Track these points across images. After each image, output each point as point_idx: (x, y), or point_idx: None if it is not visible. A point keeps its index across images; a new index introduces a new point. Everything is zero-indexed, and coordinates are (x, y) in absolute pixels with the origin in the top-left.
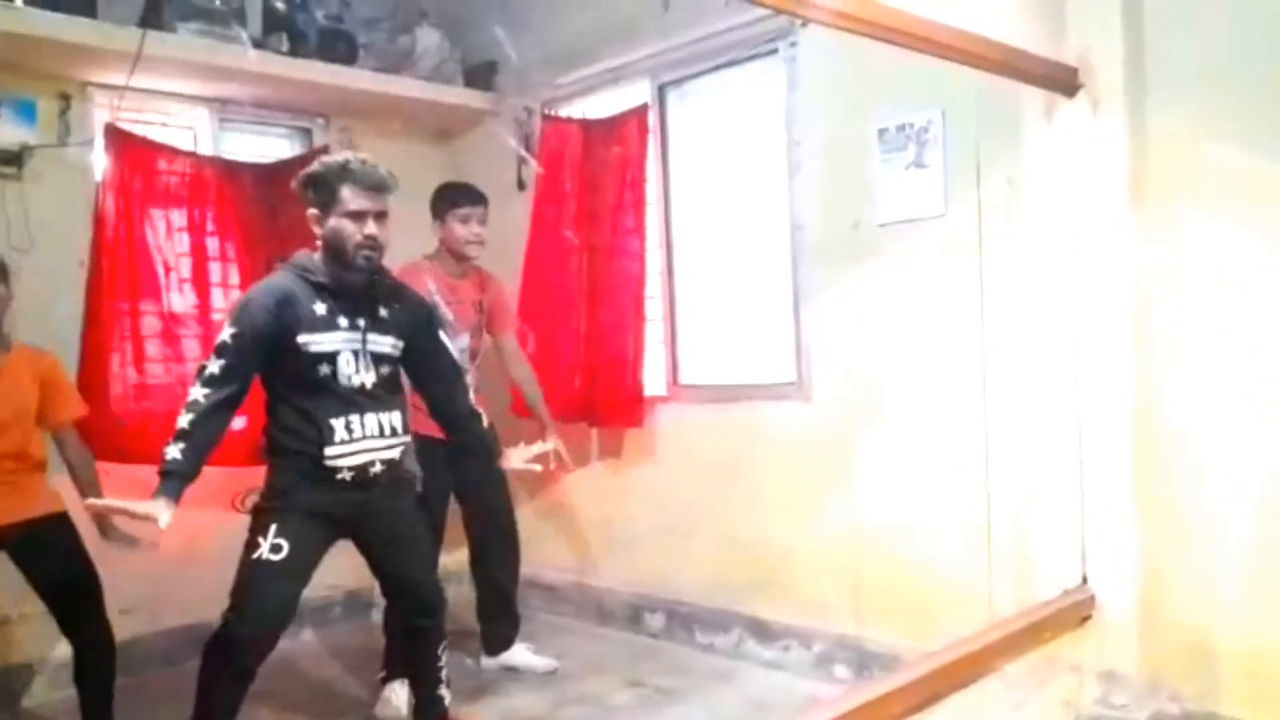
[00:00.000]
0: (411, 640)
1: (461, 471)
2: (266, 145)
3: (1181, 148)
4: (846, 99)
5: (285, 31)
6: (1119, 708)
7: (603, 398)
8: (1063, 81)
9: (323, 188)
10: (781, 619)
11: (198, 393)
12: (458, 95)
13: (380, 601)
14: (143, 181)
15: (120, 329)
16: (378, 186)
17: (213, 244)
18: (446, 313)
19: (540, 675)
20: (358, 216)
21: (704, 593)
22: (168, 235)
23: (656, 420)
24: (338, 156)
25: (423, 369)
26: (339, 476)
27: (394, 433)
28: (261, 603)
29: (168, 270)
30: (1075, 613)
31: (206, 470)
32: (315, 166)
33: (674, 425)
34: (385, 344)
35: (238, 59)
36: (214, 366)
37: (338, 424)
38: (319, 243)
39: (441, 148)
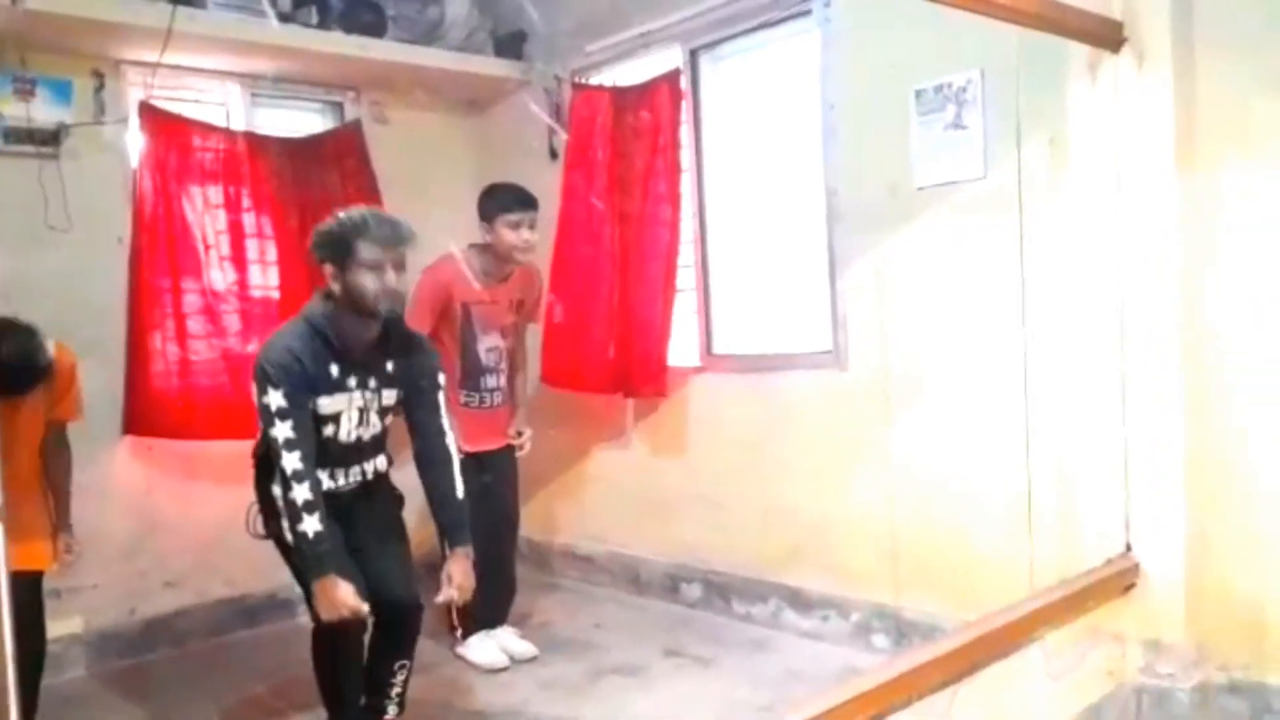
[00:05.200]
0: (375, 637)
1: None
2: (298, 120)
3: (1232, 105)
4: (882, 59)
5: (314, 5)
6: (1164, 677)
7: (635, 368)
8: (1107, 36)
9: (339, 245)
10: (819, 588)
11: (292, 461)
12: (488, 65)
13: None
14: (178, 158)
15: (162, 306)
16: (394, 240)
17: (249, 220)
18: (471, 313)
19: (529, 655)
20: (375, 268)
21: (741, 562)
22: (205, 211)
23: (691, 391)
24: (354, 213)
25: (413, 428)
26: None
27: (375, 474)
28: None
29: (206, 247)
30: (1119, 581)
31: (244, 445)
32: (331, 225)
33: (709, 396)
34: (392, 396)
35: (266, 33)
36: (285, 431)
37: (323, 475)
38: (338, 299)
39: (472, 119)
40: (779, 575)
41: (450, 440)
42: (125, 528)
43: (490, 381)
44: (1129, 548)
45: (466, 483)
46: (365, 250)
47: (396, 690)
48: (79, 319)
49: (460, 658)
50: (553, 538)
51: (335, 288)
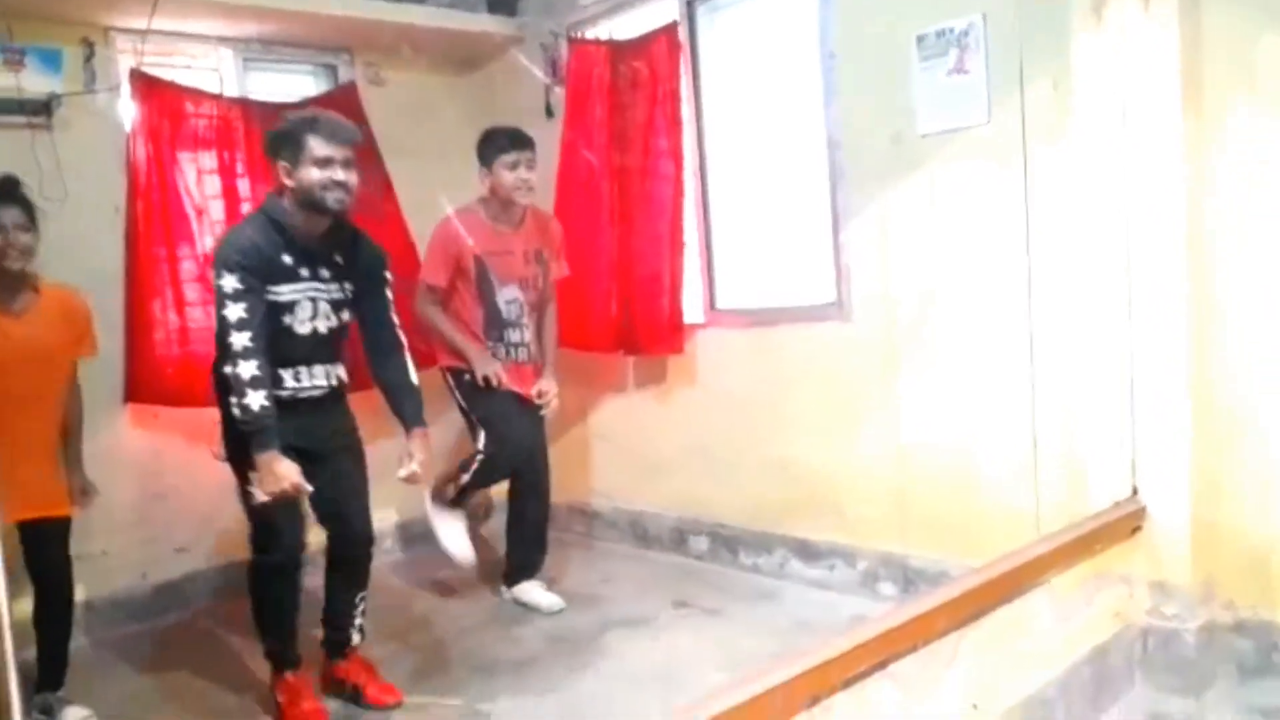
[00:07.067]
0: (332, 576)
1: None
2: (292, 84)
3: (1239, 45)
4: (882, 5)
5: None
6: (1170, 618)
7: (641, 325)
8: None
9: (290, 141)
10: (826, 539)
11: (241, 339)
12: (481, 23)
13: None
14: (171, 126)
15: (159, 274)
16: (342, 137)
17: (243, 186)
18: (487, 265)
19: (560, 608)
20: (325, 163)
21: (748, 515)
22: (199, 179)
23: (695, 346)
24: (304, 113)
25: (364, 321)
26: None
27: (339, 382)
28: (276, 537)
29: (200, 214)
30: (1125, 524)
31: None
32: (282, 124)
33: (713, 350)
34: (346, 289)
35: None
36: (238, 311)
37: (286, 374)
38: (290, 194)
39: (468, 78)
40: (786, 526)
41: (400, 333)
42: (134, 494)
43: (513, 336)
44: (1135, 490)
45: (506, 410)
46: (315, 145)
47: (358, 621)
48: (80, 289)
49: (427, 518)
50: (559, 494)
51: (288, 183)
